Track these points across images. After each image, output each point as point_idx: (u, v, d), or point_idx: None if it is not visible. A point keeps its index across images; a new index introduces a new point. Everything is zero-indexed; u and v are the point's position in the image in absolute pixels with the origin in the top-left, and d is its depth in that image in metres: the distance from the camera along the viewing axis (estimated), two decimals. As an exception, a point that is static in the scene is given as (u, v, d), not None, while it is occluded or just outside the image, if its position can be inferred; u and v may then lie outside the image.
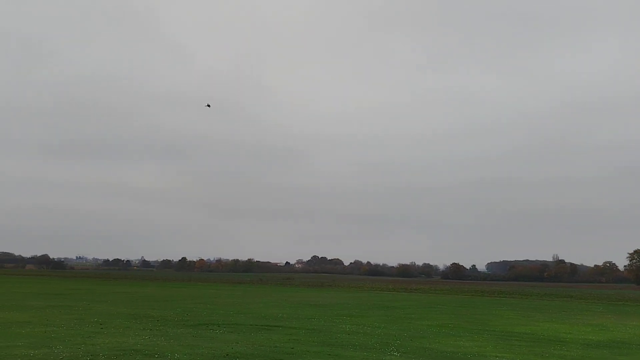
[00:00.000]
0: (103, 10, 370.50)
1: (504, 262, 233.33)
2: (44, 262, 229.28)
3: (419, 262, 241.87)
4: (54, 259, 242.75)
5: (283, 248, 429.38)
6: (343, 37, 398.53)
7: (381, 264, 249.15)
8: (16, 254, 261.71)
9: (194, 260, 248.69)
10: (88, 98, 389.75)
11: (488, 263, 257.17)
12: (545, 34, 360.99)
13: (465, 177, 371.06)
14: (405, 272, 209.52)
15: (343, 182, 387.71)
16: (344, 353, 15.77)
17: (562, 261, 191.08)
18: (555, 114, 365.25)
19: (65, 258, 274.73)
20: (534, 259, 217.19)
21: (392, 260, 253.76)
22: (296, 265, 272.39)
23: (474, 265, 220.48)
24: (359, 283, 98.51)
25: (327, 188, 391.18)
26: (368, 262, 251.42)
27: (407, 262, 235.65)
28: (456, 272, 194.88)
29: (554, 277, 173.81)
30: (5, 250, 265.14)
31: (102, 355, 13.80)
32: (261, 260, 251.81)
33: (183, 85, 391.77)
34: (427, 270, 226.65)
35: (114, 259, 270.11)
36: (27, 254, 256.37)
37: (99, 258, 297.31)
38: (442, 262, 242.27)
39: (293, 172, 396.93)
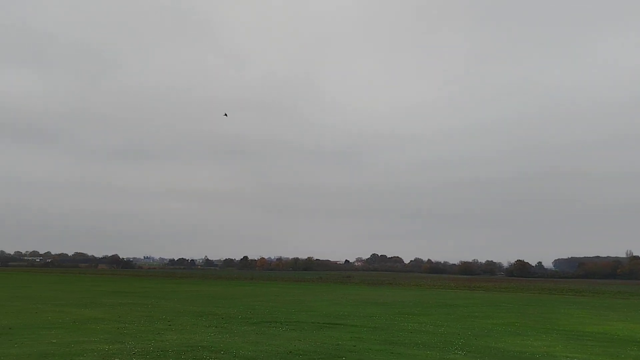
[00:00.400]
0: (162, 19, 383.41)
1: (573, 258, 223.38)
2: (114, 262, 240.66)
3: (482, 260, 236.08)
4: (123, 258, 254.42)
5: (342, 246, 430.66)
6: (397, 33, 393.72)
7: (442, 262, 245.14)
8: (89, 254, 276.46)
9: (255, 259, 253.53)
10: (153, 104, 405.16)
11: (555, 260, 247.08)
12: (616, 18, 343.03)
13: (529, 169, 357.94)
14: (467, 269, 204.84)
15: (402, 179, 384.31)
16: (406, 351, 15.63)
17: (637, 257, 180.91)
18: (627, 105, 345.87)
19: (133, 258, 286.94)
20: (605, 255, 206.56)
21: (454, 258, 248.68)
22: (355, 264, 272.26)
23: (540, 262, 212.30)
24: (420, 281, 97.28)
25: (386, 186, 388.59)
26: (429, 260, 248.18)
27: (469, 259, 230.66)
28: (521, 269, 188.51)
29: (628, 274, 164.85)
30: (79, 251, 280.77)
31: (171, 351, 14.30)
32: (320, 258, 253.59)
33: (242, 90, 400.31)
34: (490, 268, 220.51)
35: (179, 259, 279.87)
36: (99, 254, 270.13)
37: (165, 258, 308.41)
38: (505, 259, 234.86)
39: (351, 170, 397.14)
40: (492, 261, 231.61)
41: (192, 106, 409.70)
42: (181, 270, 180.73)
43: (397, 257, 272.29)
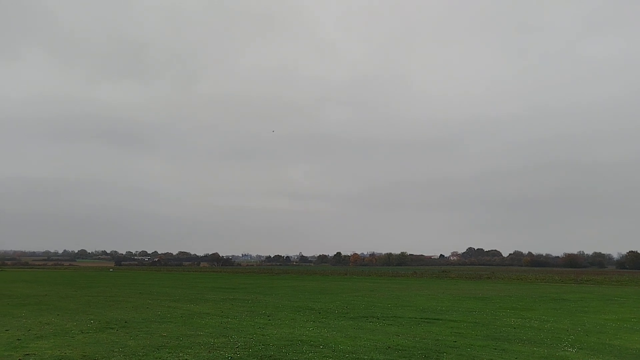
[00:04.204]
0: (249, 20, 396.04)
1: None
2: (214, 260, 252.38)
3: (588, 251, 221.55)
4: (223, 256, 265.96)
5: (436, 240, 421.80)
6: (481, 13, 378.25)
7: (544, 254, 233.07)
8: (192, 252, 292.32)
9: (348, 254, 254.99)
10: (244, 105, 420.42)
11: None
12: None
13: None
14: (573, 262, 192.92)
15: (499, 166, 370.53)
16: (511, 347, 14.95)
17: None
18: None
19: (232, 255, 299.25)
20: None
21: (557, 250, 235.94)
22: (451, 258, 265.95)
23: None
24: (521, 274, 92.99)
25: (481, 175, 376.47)
26: (529, 253, 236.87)
27: (574, 251, 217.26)
28: (635, 260, 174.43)
29: None
30: (183, 250, 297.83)
31: (272, 345, 14.68)
32: (414, 253, 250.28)
33: (331, 88, 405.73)
34: (599, 260, 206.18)
35: (275, 255, 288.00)
36: (200, 252, 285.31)
37: (262, 255, 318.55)
38: (616, 250, 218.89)
39: (444, 161, 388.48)
40: (600, 253, 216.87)
41: (283, 106, 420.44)
42: (277, 267, 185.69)
43: (495, 250, 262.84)
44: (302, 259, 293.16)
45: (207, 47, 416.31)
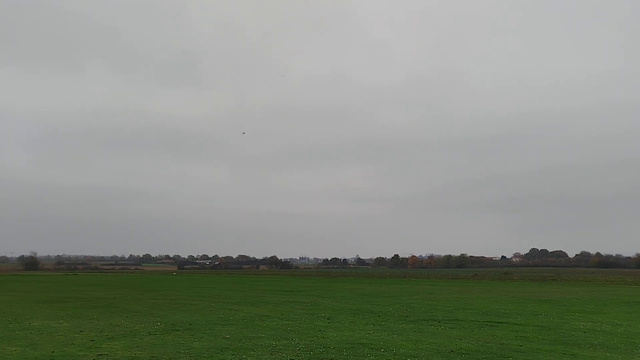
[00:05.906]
0: (302, 25, 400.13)
1: None
2: (273, 263, 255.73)
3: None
4: (281, 259, 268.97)
5: (498, 241, 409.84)
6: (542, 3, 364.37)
7: (614, 255, 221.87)
8: (251, 256, 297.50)
9: (406, 257, 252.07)
10: (300, 109, 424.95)
11: None
12: None
13: None
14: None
15: (562, 163, 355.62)
16: (582, 353, 14.32)
17: None
18: None
19: (290, 258, 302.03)
20: None
21: (628, 250, 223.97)
22: (513, 259, 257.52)
23: None
24: (589, 276, 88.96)
25: (543, 172, 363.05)
26: (598, 253, 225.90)
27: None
28: None
29: None
30: (242, 254, 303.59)
31: (333, 348, 14.72)
32: (475, 255, 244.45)
33: (385, 87, 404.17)
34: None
35: (332, 258, 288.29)
36: (259, 255, 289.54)
37: (319, 258, 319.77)
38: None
39: (504, 158, 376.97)
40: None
41: (338, 110, 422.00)
42: (335, 269, 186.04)
43: (560, 251, 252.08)
44: (359, 261, 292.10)
45: (261, 55, 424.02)
